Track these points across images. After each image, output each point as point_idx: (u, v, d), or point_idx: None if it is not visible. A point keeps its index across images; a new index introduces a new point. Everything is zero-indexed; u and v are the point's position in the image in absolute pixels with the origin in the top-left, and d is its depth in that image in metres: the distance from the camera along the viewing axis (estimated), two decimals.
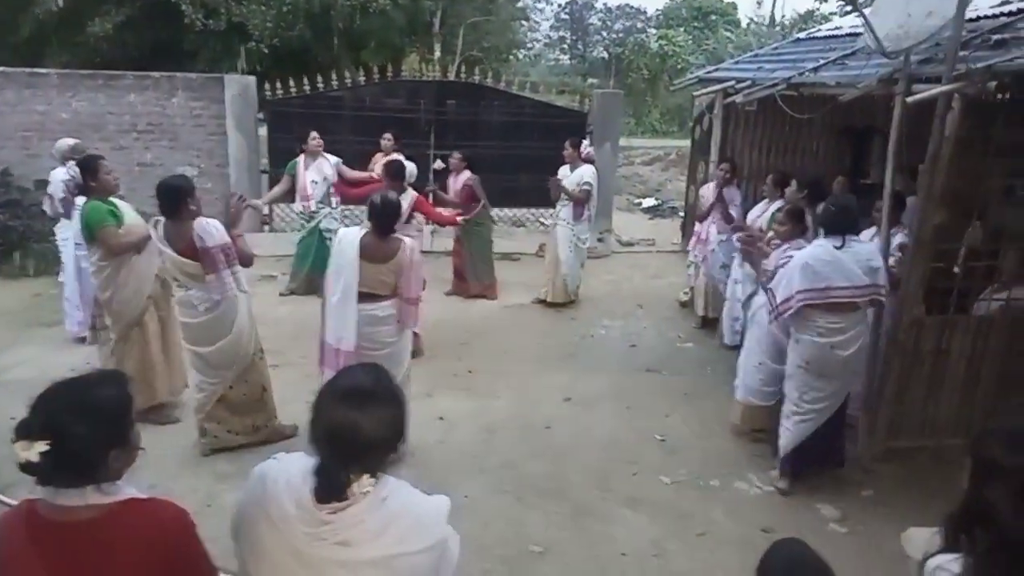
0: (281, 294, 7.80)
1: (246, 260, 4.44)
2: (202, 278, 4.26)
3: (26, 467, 1.55)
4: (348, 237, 4.30)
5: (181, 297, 4.43)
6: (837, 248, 4.18)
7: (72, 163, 5.92)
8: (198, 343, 4.45)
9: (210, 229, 4.21)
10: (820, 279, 4.16)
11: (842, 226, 4.24)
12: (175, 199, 4.27)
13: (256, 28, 18.06)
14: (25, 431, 1.55)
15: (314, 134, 7.62)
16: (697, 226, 7.40)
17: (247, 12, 17.90)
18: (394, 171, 6.28)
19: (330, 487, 1.61)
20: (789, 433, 4.45)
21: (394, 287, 4.31)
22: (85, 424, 1.58)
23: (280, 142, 9.61)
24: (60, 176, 6.19)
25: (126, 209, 4.87)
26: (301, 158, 7.63)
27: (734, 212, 6.84)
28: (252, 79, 9.82)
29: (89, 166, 4.83)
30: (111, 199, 4.81)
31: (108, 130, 9.35)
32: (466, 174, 7.72)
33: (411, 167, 6.86)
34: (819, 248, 4.27)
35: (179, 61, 16.69)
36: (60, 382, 1.66)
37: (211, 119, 9.61)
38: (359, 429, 1.59)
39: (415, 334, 6.14)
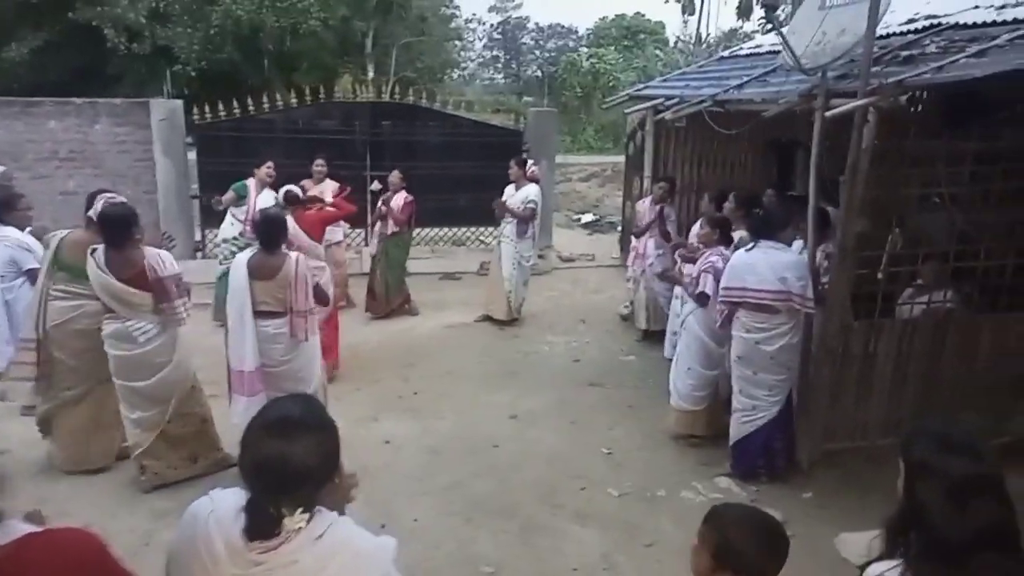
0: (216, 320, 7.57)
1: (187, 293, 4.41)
2: (147, 308, 4.17)
3: None
4: (238, 260, 4.48)
5: (115, 330, 4.21)
6: (747, 250, 4.54)
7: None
8: (134, 378, 4.28)
9: (163, 259, 4.19)
10: (737, 280, 4.53)
11: (758, 230, 4.60)
12: (122, 227, 4.17)
13: (182, 51, 17.74)
14: None
15: (270, 164, 7.37)
16: (634, 241, 7.53)
17: (173, 35, 17.57)
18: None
19: (260, 523, 1.54)
20: (735, 427, 4.74)
21: (286, 302, 4.39)
22: None
23: (210, 166, 9.42)
24: None
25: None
26: (251, 182, 7.33)
27: (671, 228, 7.01)
28: (179, 103, 9.61)
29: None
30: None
31: (27, 159, 8.99)
32: (403, 192, 7.71)
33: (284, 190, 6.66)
34: (738, 252, 4.66)
35: (103, 85, 16.26)
36: None
37: (137, 145, 9.34)
38: (287, 460, 1.52)
39: (328, 358, 6.11)
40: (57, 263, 4.38)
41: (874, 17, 4.05)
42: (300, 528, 1.54)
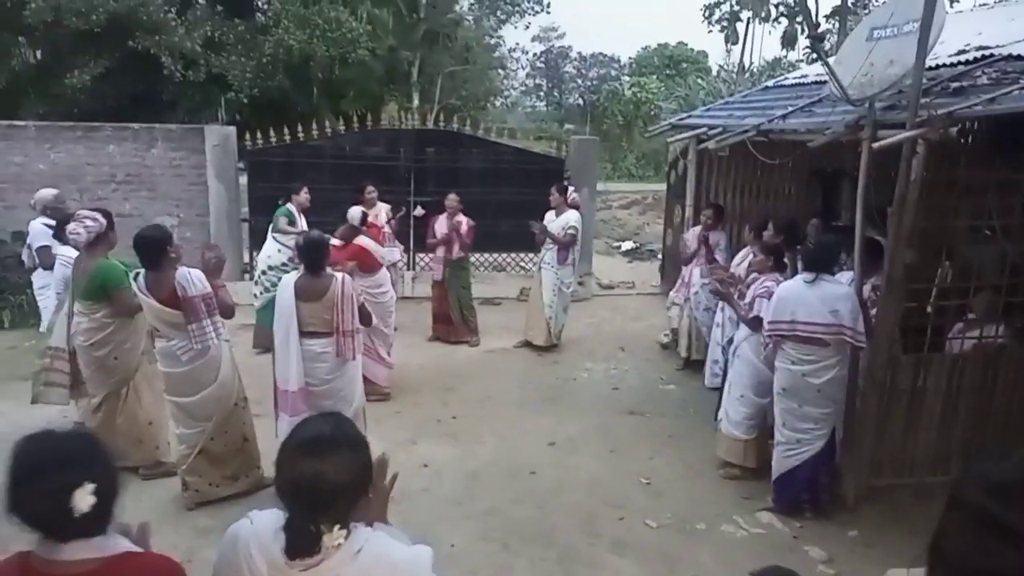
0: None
1: (227, 310, 4.47)
2: (183, 327, 4.25)
3: (67, 523, 1.54)
4: (284, 281, 4.59)
5: (162, 348, 4.38)
6: (808, 283, 4.42)
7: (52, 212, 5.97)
8: (180, 393, 4.41)
9: (192, 278, 4.23)
10: (786, 312, 4.43)
11: (817, 263, 4.48)
12: (156, 250, 4.27)
13: (235, 79, 18.28)
14: (58, 485, 1.54)
15: (305, 190, 7.49)
16: (683, 269, 7.49)
17: (226, 63, 18.13)
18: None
19: (300, 542, 1.58)
20: (778, 461, 4.65)
21: (333, 322, 4.48)
22: (109, 473, 1.61)
23: (260, 191, 9.66)
24: (37, 227, 6.16)
25: None
26: (292, 208, 7.40)
27: (720, 256, 6.96)
28: (232, 129, 9.90)
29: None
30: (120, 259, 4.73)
31: (86, 181, 9.34)
32: (463, 216, 7.81)
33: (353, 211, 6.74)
34: (792, 282, 4.56)
35: (158, 111, 16.81)
36: (37, 441, 1.65)
37: (191, 169, 9.64)
38: (322, 478, 1.56)
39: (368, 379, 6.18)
40: (72, 282, 4.76)
41: (923, 48, 4.03)
42: (339, 544, 1.58)
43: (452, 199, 7.87)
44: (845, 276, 4.96)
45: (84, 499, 1.53)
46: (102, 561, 1.60)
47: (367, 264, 6.31)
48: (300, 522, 1.59)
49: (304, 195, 7.45)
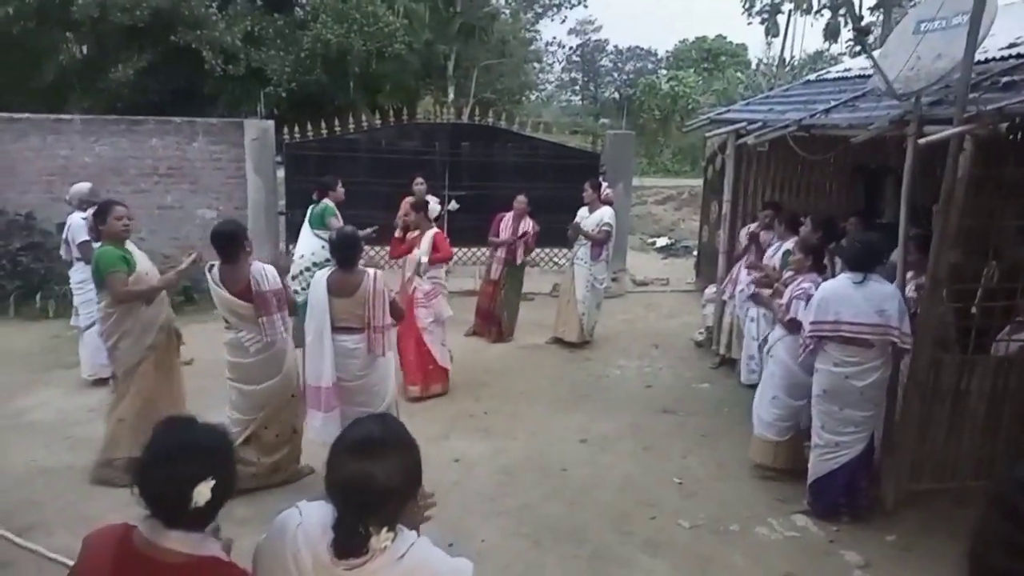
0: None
1: (292, 309, 4.67)
2: (253, 320, 4.38)
3: (179, 512, 1.61)
4: (317, 277, 4.58)
5: (231, 339, 4.50)
6: (857, 283, 4.28)
7: (91, 208, 6.06)
8: (247, 382, 4.53)
9: (266, 274, 4.39)
10: (830, 312, 4.29)
11: (864, 263, 4.34)
12: (232, 243, 4.42)
13: (274, 73, 18.50)
14: (185, 473, 1.61)
15: (340, 184, 7.39)
16: (730, 266, 7.34)
17: (266, 58, 18.35)
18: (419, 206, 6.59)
19: (349, 542, 1.60)
20: (816, 465, 4.55)
21: (364, 318, 4.49)
22: (230, 472, 1.69)
23: (297, 184, 9.75)
24: (77, 221, 6.29)
25: (140, 257, 4.78)
26: (332, 204, 7.24)
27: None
28: (271, 123, 10.01)
29: (99, 211, 4.74)
30: (126, 246, 4.71)
31: (129, 174, 9.52)
32: (529, 219, 7.79)
33: (434, 203, 6.92)
34: (836, 282, 4.42)
35: (199, 105, 17.09)
36: (176, 426, 1.75)
37: (230, 162, 9.77)
38: (372, 479, 1.57)
39: (440, 371, 6.23)
40: None
41: (973, 41, 3.90)
42: (386, 547, 1.58)
43: (521, 200, 7.79)
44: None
45: (204, 493, 1.59)
46: (193, 558, 1.64)
47: (445, 255, 6.51)
48: (349, 523, 1.59)
49: (340, 190, 7.45)
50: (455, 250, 8.58)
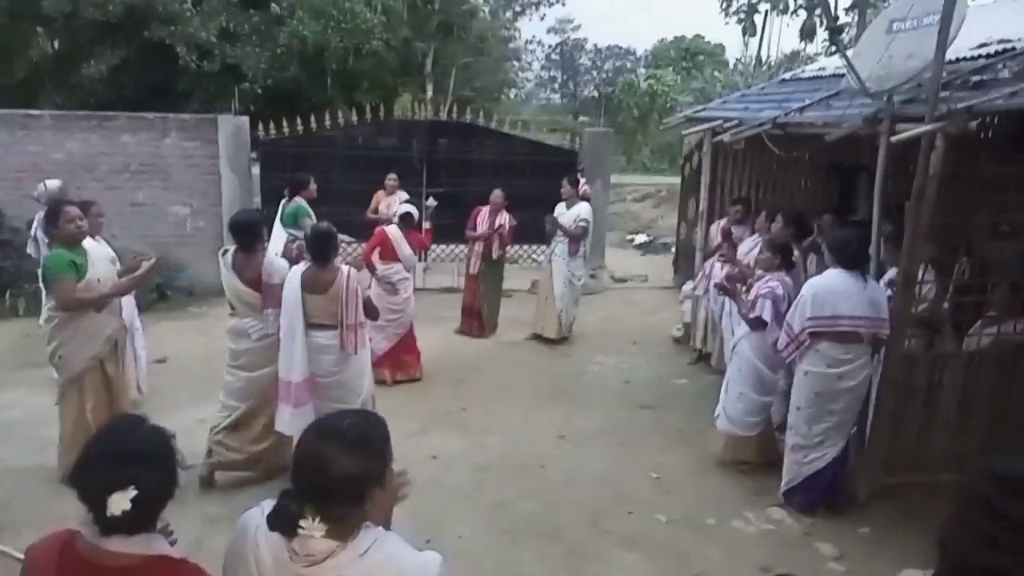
0: None
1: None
2: (258, 309, 4.49)
3: (108, 518, 1.56)
4: (292, 273, 4.58)
5: (234, 325, 4.62)
6: (854, 280, 4.29)
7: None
8: (243, 368, 4.59)
9: (277, 267, 4.51)
10: (827, 308, 4.27)
11: (856, 259, 4.36)
12: (250, 232, 4.53)
13: (250, 69, 18.31)
14: (103, 481, 1.57)
15: (312, 181, 7.36)
16: (702, 261, 7.39)
17: (241, 54, 18.16)
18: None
19: (278, 515, 1.58)
20: (797, 467, 4.53)
21: (339, 315, 4.52)
22: (162, 477, 1.64)
23: (272, 181, 9.64)
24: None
25: (97, 259, 4.52)
26: (305, 203, 7.24)
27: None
28: (245, 119, 9.90)
29: (50, 213, 4.46)
30: (81, 247, 4.42)
31: (101, 170, 9.36)
32: (506, 212, 7.81)
33: (412, 210, 6.90)
34: (829, 278, 4.39)
35: (174, 102, 16.87)
36: (113, 429, 1.71)
37: (205, 159, 9.65)
38: (328, 463, 1.55)
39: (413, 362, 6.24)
40: None
41: (944, 41, 3.95)
42: (313, 536, 1.55)
43: (497, 195, 7.83)
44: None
45: (119, 503, 1.54)
46: (139, 559, 1.62)
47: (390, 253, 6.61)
48: (286, 499, 1.58)
49: (313, 187, 7.39)
50: (432, 246, 8.60)
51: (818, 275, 4.57)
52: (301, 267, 4.61)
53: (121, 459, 1.60)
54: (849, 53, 4.83)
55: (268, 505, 1.68)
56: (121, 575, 1.60)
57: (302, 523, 1.54)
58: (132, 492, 1.55)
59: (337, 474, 1.55)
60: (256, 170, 10.04)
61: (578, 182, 7.91)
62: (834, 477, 4.52)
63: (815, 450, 4.49)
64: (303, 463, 1.59)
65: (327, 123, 9.97)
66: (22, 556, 2.01)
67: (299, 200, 7.22)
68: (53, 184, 6.49)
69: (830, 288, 4.32)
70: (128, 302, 5.37)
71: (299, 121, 9.82)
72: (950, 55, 4.42)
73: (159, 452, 1.68)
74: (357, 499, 1.59)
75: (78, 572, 1.60)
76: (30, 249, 6.53)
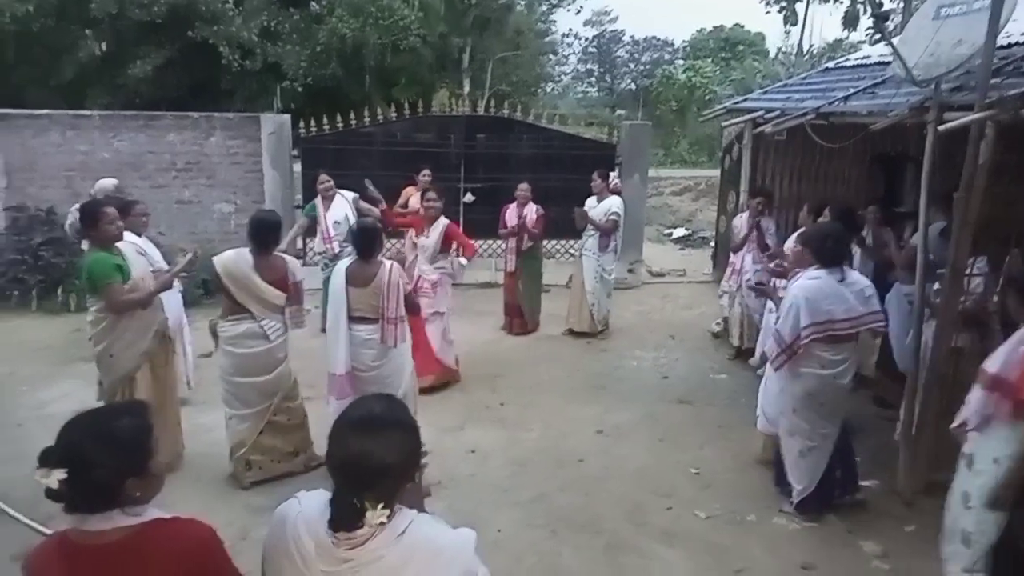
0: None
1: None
2: (278, 309, 4.55)
3: (49, 494, 1.64)
4: (338, 267, 4.70)
5: (248, 329, 4.48)
6: (839, 282, 4.19)
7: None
8: (255, 373, 4.55)
9: (298, 265, 4.70)
10: (821, 313, 4.15)
11: (840, 257, 4.28)
12: (271, 233, 4.58)
13: (290, 68, 18.54)
14: (45, 459, 1.64)
15: (323, 177, 7.42)
16: (732, 257, 7.34)
17: (282, 52, 18.40)
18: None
19: (343, 515, 1.61)
20: (807, 467, 4.40)
21: (380, 309, 4.57)
22: (102, 453, 1.65)
23: (313, 178, 9.79)
24: None
25: (133, 256, 4.56)
26: (319, 200, 7.45)
27: (770, 243, 6.79)
28: (287, 117, 10.06)
29: (88, 215, 4.39)
30: (116, 247, 4.45)
31: (148, 169, 9.61)
32: (533, 205, 7.79)
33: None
34: (815, 281, 4.22)
35: (216, 100, 17.17)
36: (83, 412, 1.75)
37: (247, 157, 9.84)
38: (370, 456, 1.59)
39: (443, 365, 6.23)
40: None
41: (995, 26, 3.84)
42: (382, 522, 1.59)
43: (523, 188, 7.83)
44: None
45: (49, 479, 1.61)
46: (132, 529, 1.68)
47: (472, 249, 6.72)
48: (346, 497, 1.61)
49: (321, 185, 7.42)
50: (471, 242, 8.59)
51: (805, 279, 4.30)
52: (346, 261, 4.74)
53: (67, 440, 1.67)
54: (895, 40, 4.71)
55: (303, 495, 1.75)
56: (117, 549, 1.66)
57: (368, 515, 1.58)
58: (60, 473, 1.60)
59: (381, 463, 1.60)
60: (298, 167, 10.18)
61: (608, 175, 7.86)
62: (841, 470, 4.45)
63: (819, 447, 4.37)
64: (347, 460, 1.62)
65: (366, 119, 10.08)
66: (49, 531, 2.09)
67: (315, 200, 7.50)
68: (109, 183, 6.53)
69: (822, 291, 4.16)
70: (175, 299, 5.51)
71: (338, 118, 9.94)
72: (1001, 40, 4.30)
73: (108, 434, 1.70)
74: (400, 479, 1.66)
75: (79, 559, 1.66)
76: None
